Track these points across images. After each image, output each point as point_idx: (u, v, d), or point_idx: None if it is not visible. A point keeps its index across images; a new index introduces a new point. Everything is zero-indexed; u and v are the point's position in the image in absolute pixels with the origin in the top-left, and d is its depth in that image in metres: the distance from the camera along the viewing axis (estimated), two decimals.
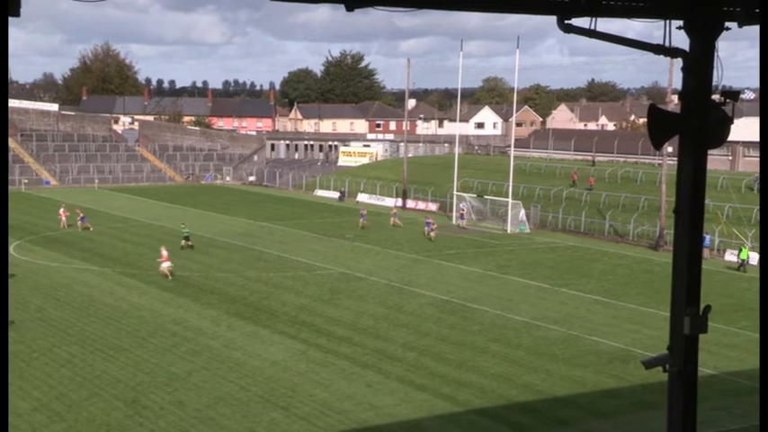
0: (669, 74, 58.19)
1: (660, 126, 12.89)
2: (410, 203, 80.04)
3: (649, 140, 13.06)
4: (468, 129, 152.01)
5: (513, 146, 77.04)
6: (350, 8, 11.12)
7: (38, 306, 38.25)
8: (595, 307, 40.67)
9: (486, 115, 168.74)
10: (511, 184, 67.86)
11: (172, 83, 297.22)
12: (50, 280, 44.08)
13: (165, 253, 45.69)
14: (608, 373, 30.36)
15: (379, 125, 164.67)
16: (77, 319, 36.43)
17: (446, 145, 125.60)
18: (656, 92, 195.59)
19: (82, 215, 61.54)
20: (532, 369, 30.57)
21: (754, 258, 53.34)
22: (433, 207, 77.63)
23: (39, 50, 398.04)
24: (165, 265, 44.95)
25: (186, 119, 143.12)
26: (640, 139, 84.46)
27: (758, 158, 72.62)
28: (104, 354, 31.38)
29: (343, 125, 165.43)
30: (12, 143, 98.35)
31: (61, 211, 62.58)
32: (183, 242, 53.06)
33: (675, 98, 55.62)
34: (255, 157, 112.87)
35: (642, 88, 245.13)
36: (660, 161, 65.84)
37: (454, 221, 69.26)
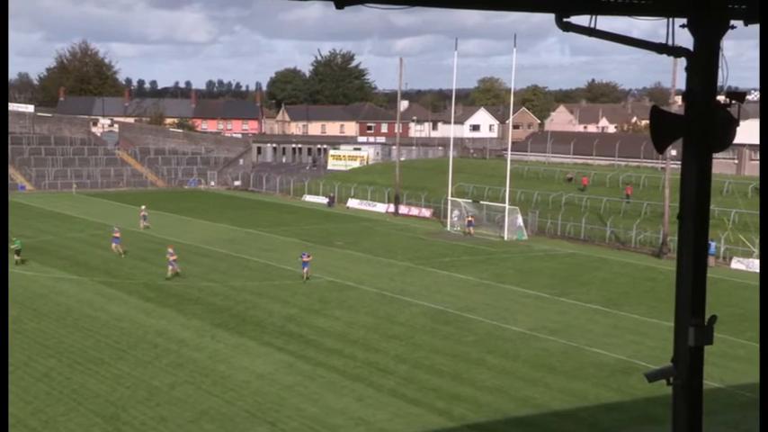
0: (672, 74, 58.42)
1: (663, 128, 12.91)
2: (403, 209, 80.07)
3: (652, 143, 13.07)
4: (462, 131, 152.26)
5: (509, 149, 77.19)
6: (339, 6, 11.11)
7: (13, 317, 38.06)
8: (596, 317, 40.73)
9: (482, 117, 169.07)
10: (508, 188, 67.95)
11: (153, 83, 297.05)
12: (26, 290, 43.92)
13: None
14: (609, 386, 30.40)
15: (370, 127, 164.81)
16: (55, 331, 36.31)
17: (440, 148, 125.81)
18: (658, 93, 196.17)
19: None
20: (530, 382, 30.60)
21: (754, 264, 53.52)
22: (426, 213, 77.71)
23: (15, 49, 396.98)
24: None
25: (168, 121, 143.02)
26: (642, 141, 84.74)
27: None
28: (83, 367, 31.28)
29: (332, 127, 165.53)
30: None
31: None
32: (15, 256, 50.55)
33: (679, 99, 55.79)
34: (241, 161, 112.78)
35: (644, 89, 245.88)
36: (663, 165, 66.04)
37: (449, 228, 69.33)
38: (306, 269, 47.17)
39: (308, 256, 47.85)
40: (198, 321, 38.38)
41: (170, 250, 48.44)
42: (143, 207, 70.56)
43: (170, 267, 47.42)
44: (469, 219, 68.20)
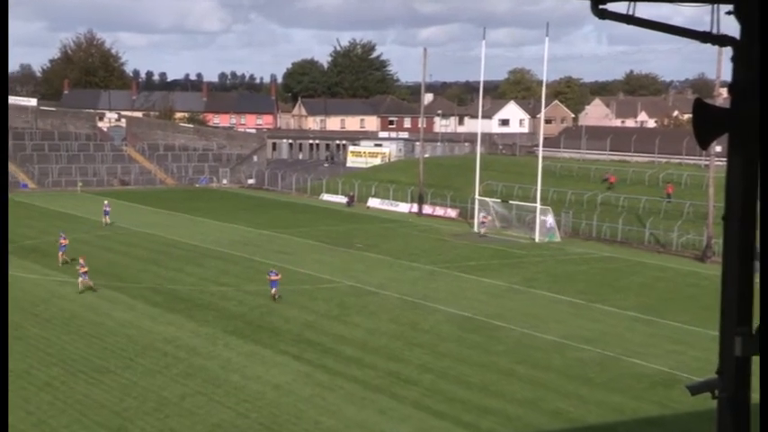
0: (717, 64, 58.02)
1: (707, 123, 12.82)
2: (427, 209, 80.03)
3: (695, 139, 12.98)
4: (491, 126, 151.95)
5: (541, 145, 77.00)
6: None
7: (14, 323, 38.30)
8: (634, 325, 40.54)
9: (512, 111, 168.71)
10: (539, 187, 67.78)
11: (162, 75, 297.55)
12: (28, 294, 44.22)
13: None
14: (649, 399, 30.26)
15: (392, 122, 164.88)
16: (58, 338, 36.56)
17: (467, 144, 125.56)
18: (702, 84, 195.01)
19: None
20: (564, 394, 30.50)
21: None
22: (452, 213, 77.63)
23: (17, 40, 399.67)
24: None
25: (178, 115, 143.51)
26: (684, 137, 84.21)
27: None
28: (87, 376, 31.46)
29: (352, 122, 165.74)
30: None
31: None
32: None
33: (724, 92, 55.41)
34: (255, 158, 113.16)
35: (687, 81, 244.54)
36: (707, 162, 65.65)
37: (476, 229, 69.24)
38: (275, 289, 43.86)
39: (277, 275, 44.25)
40: (209, 328, 38.51)
41: (81, 261, 45.95)
42: (106, 201, 71.39)
43: (80, 280, 44.92)
44: (483, 218, 68.16)
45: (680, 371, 32.96)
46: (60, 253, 52.12)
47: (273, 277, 44.12)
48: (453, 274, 51.67)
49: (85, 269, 45.22)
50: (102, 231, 65.06)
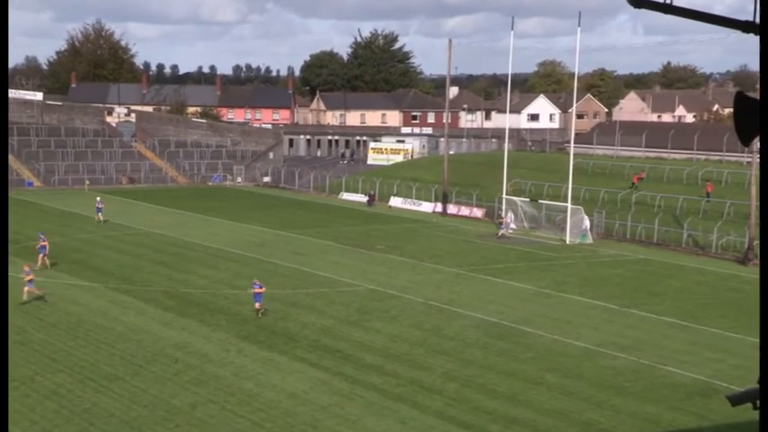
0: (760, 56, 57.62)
1: (749, 117, 12.72)
2: (452, 209, 79.96)
3: (736, 135, 12.89)
4: (519, 121, 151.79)
5: (572, 141, 76.71)
6: None
7: (18, 327, 38.60)
8: (671, 331, 40.35)
9: (542, 105, 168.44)
10: (570, 186, 67.58)
11: (174, 68, 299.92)
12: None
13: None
14: (686, 409, 30.11)
15: (415, 117, 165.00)
16: (64, 343, 36.73)
17: (494, 140, 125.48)
18: (744, 77, 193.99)
19: None
20: (596, 404, 30.40)
21: None
22: (478, 213, 77.52)
23: (22, 30, 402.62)
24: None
25: (191, 110, 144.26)
26: (725, 132, 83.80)
27: None
28: (95, 383, 31.61)
29: (373, 117, 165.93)
30: None
31: None
32: None
33: None
34: (271, 155, 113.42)
35: (728, 73, 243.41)
36: (749, 159, 65.25)
37: (503, 229, 69.12)
38: (258, 303, 41.18)
39: (261, 287, 41.40)
40: (222, 333, 38.61)
41: (26, 269, 43.35)
42: (98, 198, 72.10)
43: (25, 288, 42.41)
44: (500, 219, 67.96)
45: (719, 380, 32.79)
46: (40, 255, 51.29)
47: (257, 290, 41.35)
48: (479, 278, 51.62)
49: (31, 276, 42.87)
50: (110, 231, 65.39)
